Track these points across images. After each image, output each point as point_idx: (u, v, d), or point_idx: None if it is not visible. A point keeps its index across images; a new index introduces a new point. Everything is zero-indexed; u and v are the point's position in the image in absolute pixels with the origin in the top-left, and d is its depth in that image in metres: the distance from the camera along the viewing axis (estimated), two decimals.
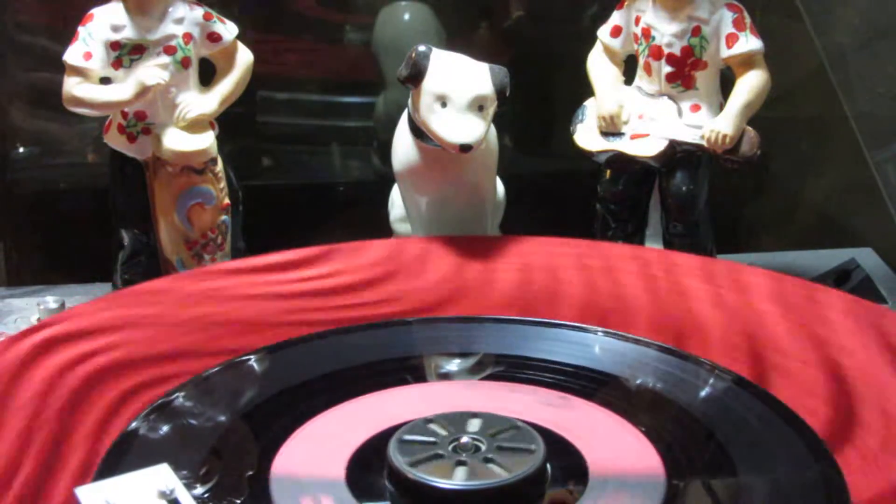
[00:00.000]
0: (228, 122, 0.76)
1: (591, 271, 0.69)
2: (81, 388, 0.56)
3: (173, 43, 0.72)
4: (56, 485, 0.50)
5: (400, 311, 0.67)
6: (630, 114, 0.75)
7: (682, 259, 0.69)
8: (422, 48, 0.69)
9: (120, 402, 0.56)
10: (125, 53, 0.71)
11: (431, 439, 0.50)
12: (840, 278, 0.82)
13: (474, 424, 0.52)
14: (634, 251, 0.71)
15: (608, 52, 0.77)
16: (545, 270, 0.69)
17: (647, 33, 0.74)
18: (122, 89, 0.71)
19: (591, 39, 0.78)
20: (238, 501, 0.49)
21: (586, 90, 0.77)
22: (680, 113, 0.74)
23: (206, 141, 0.73)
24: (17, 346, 0.57)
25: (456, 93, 0.67)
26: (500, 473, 0.48)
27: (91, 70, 0.71)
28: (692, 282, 0.67)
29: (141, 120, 0.73)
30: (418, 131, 0.70)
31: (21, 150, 0.95)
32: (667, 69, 0.73)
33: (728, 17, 0.72)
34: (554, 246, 0.71)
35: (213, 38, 0.74)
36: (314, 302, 0.66)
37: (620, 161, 0.76)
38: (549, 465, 0.50)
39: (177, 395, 0.57)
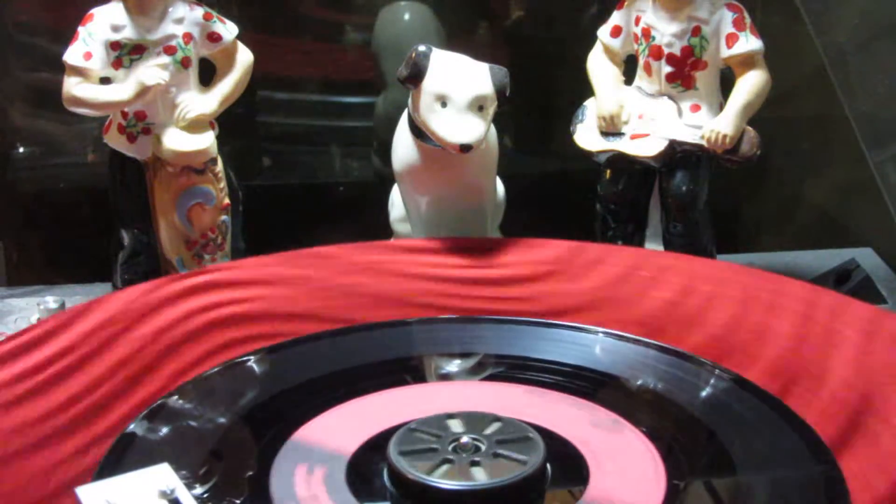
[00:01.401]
0: (228, 122, 0.76)
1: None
2: (195, 332, 0.62)
3: (173, 43, 0.72)
4: (111, 413, 0.55)
5: (532, 310, 0.67)
6: (630, 114, 0.75)
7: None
8: (422, 48, 0.69)
9: (220, 349, 0.62)
10: (125, 53, 0.71)
11: (432, 440, 0.50)
12: (840, 278, 0.82)
13: (473, 425, 0.52)
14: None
15: (608, 52, 0.77)
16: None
17: (647, 33, 0.74)
18: (121, 89, 0.71)
19: (591, 39, 0.77)
20: (238, 501, 0.49)
21: (586, 90, 0.77)
22: (680, 113, 0.74)
23: (206, 141, 0.73)
24: (169, 287, 0.63)
25: (456, 93, 0.67)
26: (500, 473, 0.48)
27: (91, 70, 0.71)
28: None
29: (141, 120, 0.73)
30: (418, 131, 0.70)
31: (21, 150, 0.95)
32: (667, 69, 0.73)
33: (728, 17, 0.72)
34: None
35: (213, 38, 0.74)
36: (459, 289, 0.68)
37: (620, 161, 0.76)
38: (549, 466, 0.50)
39: (176, 395, 0.57)
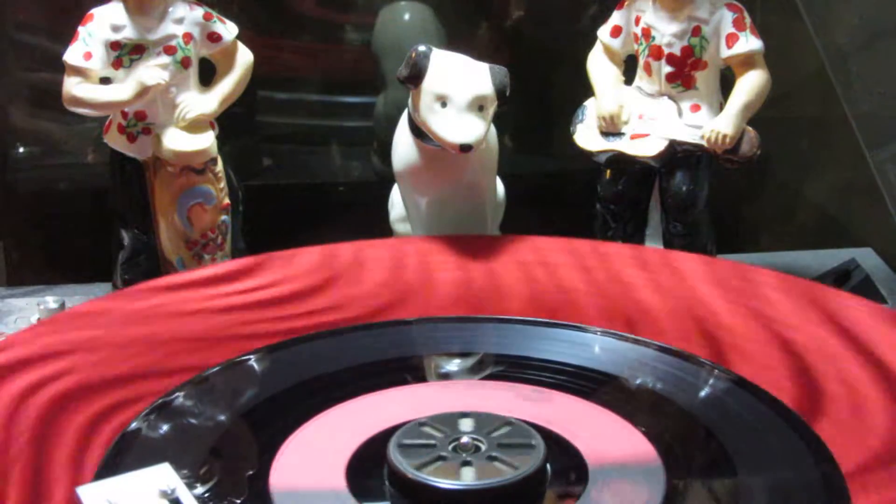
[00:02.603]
0: (228, 122, 0.76)
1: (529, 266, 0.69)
2: (46, 415, 0.53)
3: (173, 43, 0.72)
4: None
5: (343, 318, 0.65)
6: (630, 114, 0.75)
7: (614, 249, 0.71)
8: (422, 48, 0.69)
9: (90, 429, 0.53)
10: (125, 53, 0.71)
11: (431, 440, 0.50)
12: (840, 278, 0.81)
13: (472, 424, 0.52)
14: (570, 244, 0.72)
15: (608, 52, 0.77)
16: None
17: (647, 33, 0.74)
18: (121, 89, 0.71)
19: (591, 39, 0.78)
20: (238, 501, 0.49)
21: (586, 90, 0.77)
22: (680, 113, 0.74)
23: (206, 141, 0.73)
24: None
25: (456, 93, 0.67)
26: (502, 472, 0.48)
27: (91, 70, 0.71)
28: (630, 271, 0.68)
29: (141, 120, 0.73)
30: (418, 131, 0.70)
31: (21, 150, 0.95)
32: (667, 69, 0.73)
33: (728, 16, 0.72)
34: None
35: (213, 38, 0.74)
36: (260, 313, 0.64)
37: (620, 161, 0.76)
38: (548, 465, 0.50)
39: (177, 394, 0.57)
